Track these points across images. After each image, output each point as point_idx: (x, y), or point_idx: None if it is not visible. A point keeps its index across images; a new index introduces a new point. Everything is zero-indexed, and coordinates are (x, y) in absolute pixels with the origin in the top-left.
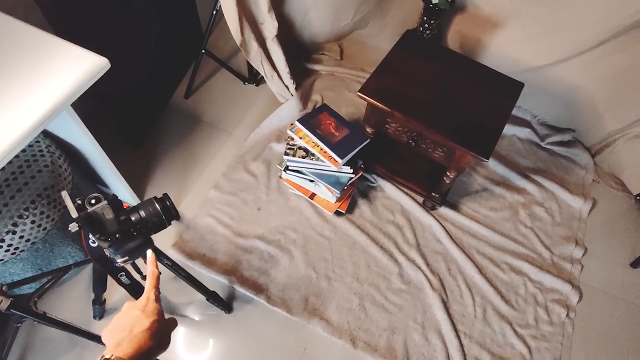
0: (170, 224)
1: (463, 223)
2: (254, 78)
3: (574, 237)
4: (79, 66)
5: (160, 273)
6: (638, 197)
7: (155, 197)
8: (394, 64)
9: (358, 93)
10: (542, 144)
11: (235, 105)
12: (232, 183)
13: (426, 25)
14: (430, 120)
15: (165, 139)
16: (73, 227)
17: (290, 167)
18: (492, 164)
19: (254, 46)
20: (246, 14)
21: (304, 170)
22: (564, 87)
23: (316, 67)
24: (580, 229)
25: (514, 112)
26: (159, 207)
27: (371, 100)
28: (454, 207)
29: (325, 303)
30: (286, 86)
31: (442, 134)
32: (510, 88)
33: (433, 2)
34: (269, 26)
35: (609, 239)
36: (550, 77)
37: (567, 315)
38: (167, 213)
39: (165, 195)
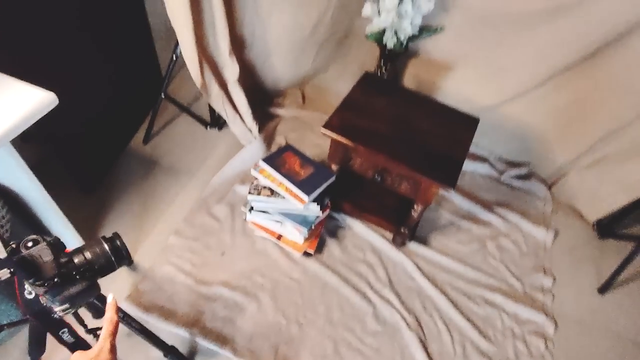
0: (120, 267)
1: (434, 258)
2: (216, 122)
3: (541, 267)
4: (20, 101)
5: (120, 319)
6: (595, 226)
7: (103, 237)
8: (355, 102)
9: (322, 128)
10: (501, 178)
11: (197, 149)
12: (193, 228)
13: (383, 68)
14: (394, 153)
15: (122, 184)
16: (3, 273)
17: (255, 208)
18: (457, 199)
19: (215, 89)
20: (206, 57)
21: (269, 210)
22: (515, 124)
23: (279, 111)
24: (547, 259)
25: (473, 149)
26: (107, 248)
27: (335, 135)
28: (424, 242)
29: (298, 351)
30: (249, 129)
31: (407, 166)
32: (467, 122)
33: (388, 47)
34: (230, 70)
35: (575, 266)
36: (502, 115)
37: (546, 346)
38: (117, 254)
39: (115, 235)
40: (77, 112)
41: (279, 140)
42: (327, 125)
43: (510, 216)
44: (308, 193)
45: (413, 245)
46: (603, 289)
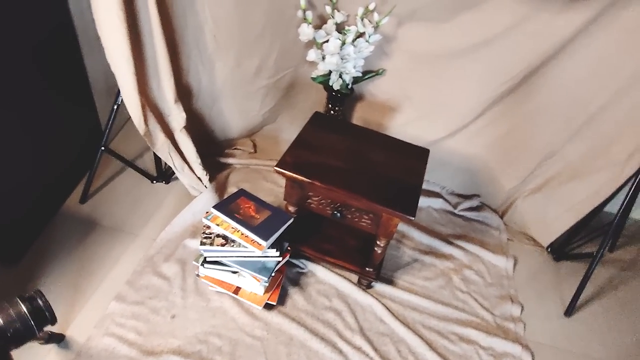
0: (42, 331)
1: (402, 297)
2: (163, 175)
3: (508, 296)
4: None
5: None
6: (549, 249)
7: (20, 296)
8: (307, 139)
9: (275, 168)
10: (456, 211)
11: (142, 205)
12: (138, 291)
13: (332, 112)
14: (351, 187)
15: (54, 251)
16: None
17: (208, 259)
18: (416, 234)
19: (160, 137)
20: (150, 104)
21: (224, 260)
22: (460, 157)
23: (230, 160)
24: (511, 286)
25: (426, 185)
26: (24, 309)
27: (290, 173)
28: (390, 282)
29: None
30: (199, 178)
31: (365, 199)
32: (418, 153)
33: (335, 89)
34: (177, 118)
35: (538, 292)
36: (447, 150)
37: None
38: (37, 316)
39: (37, 292)
40: None
41: (232, 190)
42: (281, 164)
43: (470, 247)
44: (265, 238)
45: (380, 287)
46: (568, 312)
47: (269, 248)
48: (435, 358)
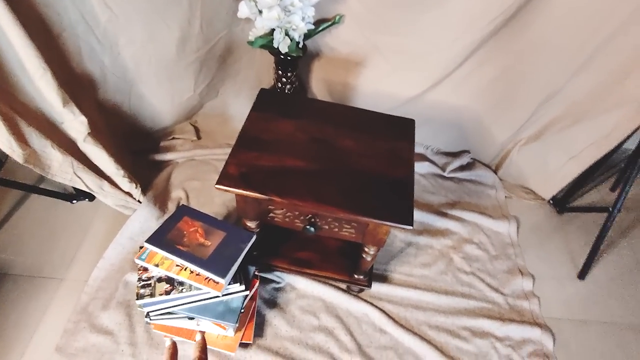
0: None
1: (401, 295)
2: (83, 191)
3: (516, 268)
4: None
5: None
6: (551, 202)
7: None
8: (254, 134)
9: (216, 186)
10: (445, 174)
11: (63, 238)
12: (73, 356)
13: (284, 79)
14: (321, 195)
15: None
16: None
17: (152, 314)
18: None
19: (55, 157)
20: (25, 113)
21: (174, 310)
22: (445, 110)
23: (169, 156)
24: (518, 255)
25: None
26: None
27: (236, 190)
28: (384, 279)
29: None
30: (127, 193)
31: (344, 209)
32: (401, 128)
33: (282, 52)
34: (75, 125)
35: (546, 254)
36: (429, 104)
37: None
38: None
39: None
40: None
41: (177, 195)
42: (222, 179)
43: (467, 215)
44: (223, 272)
45: (373, 287)
46: (582, 274)
47: (229, 284)
48: None
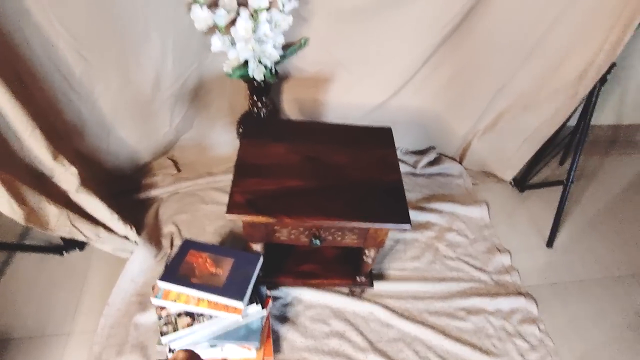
0: None
1: (399, 290)
2: (73, 241)
3: (494, 247)
4: None
5: None
6: (512, 183)
7: None
8: (250, 161)
9: (227, 215)
10: (417, 171)
11: (60, 292)
12: None
13: (259, 104)
14: (326, 209)
15: None
16: None
17: (178, 348)
18: None
19: (52, 211)
20: (18, 171)
21: (198, 340)
22: (409, 112)
23: (152, 192)
24: (493, 235)
25: None
26: None
27: (247, 217)
28: (381, 277)
29: None
30: (124, 237)
31: (347, 220)
32: (381, 137)
33: (258, 80)
34: (66, 177)
35: (516, 229)
36: (394, 109)
37: (539, 329)
38: None
39: None
40: None
41: (169, 230)
42: (232, 207)
43: (443, 207)
44: (240, 296)
45: (373, 288)
46: (550, 242)
47: (247, 306)
48: (453, 344)
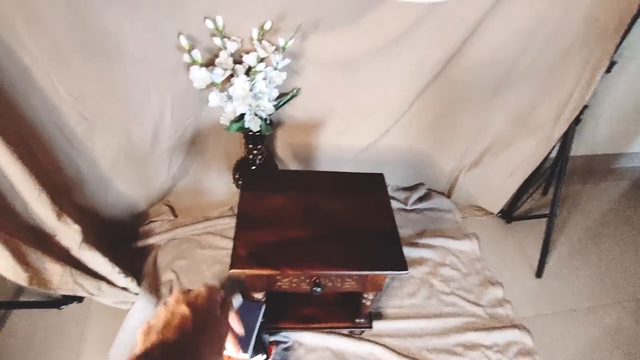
0: None
1: (398, 328)
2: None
3: (486, 280)
4: None
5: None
6: (499, 215)
7: None
8: (251, 213)
9: (232, 271)
10: (407, 207)
11: (59, 347)
12: None
13: (254, 152)
14: (327, 258)
15: None
16: None
17: None
18: None
19: (55, 270)
20: (20, 232)
21: None
22: (397, 152)
23: (150, 240)
24: (485, 268)
25: None
26: None
27: (251, 271)
28: (379, 316)
29: None
30: (124, 288)
31: (347, 268)
32: (374, 183)
33: (254, 131)
34: (69, 234)
35: (505, 261)
36: (383, 148)
37: None
38: None
39: None
40: None
41: (168, 277)
42: (235, 262)
43: (435, 241)
44: (245, 348)
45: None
46: (539, 273)
47: (252, 356)
48: None
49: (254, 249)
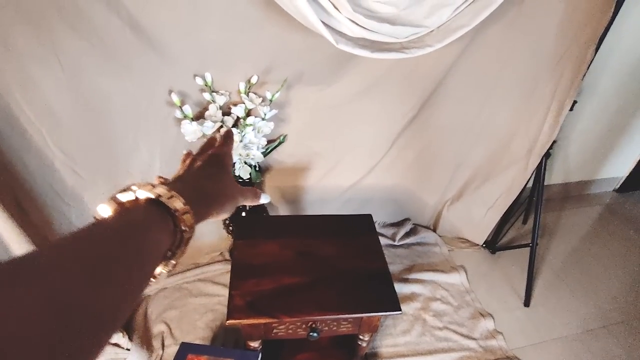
0: None
1: None
2: None
3: (477, 312)
4: None
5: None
6: (484, 245)
7: None
8: (246, 262)
9: (229, 322)
10: (396, 243)
11: None
12: None
13: None
14: (322, 304)
15: None
16: None
17: None
18: None
19: None
20: None
21: None
22: (381, 189)
23: None
24: (475, 300)
25: None
26: None
27: (248, 320)
28: (375, 355)
29: None
30: (115, 344)
31: (343, 312)
32: (363, 225)
33: (244, 179)
34: None
35: (495, 292)
36: (368, 187)
37: None
38: None
39: None
40: None
41: (160, 330)
42: (232, 312)
43: (424, 276)
44: None
45: None
46: (527, 302)
47: None
48: None
49: (251, 298)
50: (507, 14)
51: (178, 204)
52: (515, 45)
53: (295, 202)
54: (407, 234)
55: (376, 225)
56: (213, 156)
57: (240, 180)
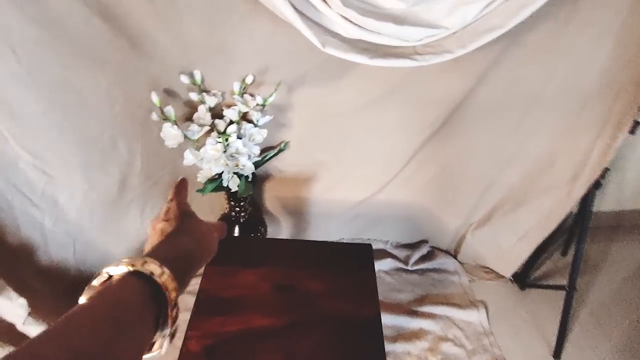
0: None
1: None
2: None
3: (494, 359)
4: None
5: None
6: (512, 279)
7: None
8: (215, 294)
9: None
10: (408, 267)
11: None
12: None
13: (237, 209)
14: (294, 354)
15: None
16: None
17: None
18: None
19: None
20: None
21: None
22: (396, 207)
23: None
24: (493, 345)
25: None
26: None
27: None
28: None
29: None
30: None
31: None
32: (360, 256)
33: (232, 190)
34: (12, 310)
35: (519, 337)
36: (380, 203)
37: None
38: None
39: None
40: None
41: None
42: (184, 355)
43: (437, 310)
44: None
45: None
46: (557, 353)
47: None
48: None
49: (211, 341)
50: (556, 15)
51: (169, 282)
52: (563, 54)
53: (297, 215)
54: (423, 258)
55: (388, 245)
56: (178, 211)
57: (231, 191)
